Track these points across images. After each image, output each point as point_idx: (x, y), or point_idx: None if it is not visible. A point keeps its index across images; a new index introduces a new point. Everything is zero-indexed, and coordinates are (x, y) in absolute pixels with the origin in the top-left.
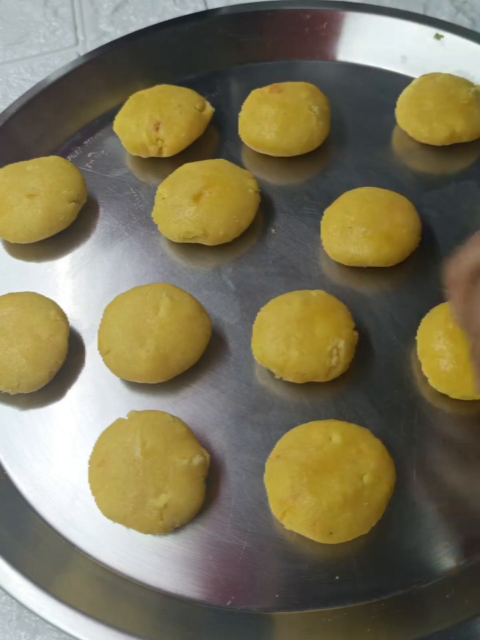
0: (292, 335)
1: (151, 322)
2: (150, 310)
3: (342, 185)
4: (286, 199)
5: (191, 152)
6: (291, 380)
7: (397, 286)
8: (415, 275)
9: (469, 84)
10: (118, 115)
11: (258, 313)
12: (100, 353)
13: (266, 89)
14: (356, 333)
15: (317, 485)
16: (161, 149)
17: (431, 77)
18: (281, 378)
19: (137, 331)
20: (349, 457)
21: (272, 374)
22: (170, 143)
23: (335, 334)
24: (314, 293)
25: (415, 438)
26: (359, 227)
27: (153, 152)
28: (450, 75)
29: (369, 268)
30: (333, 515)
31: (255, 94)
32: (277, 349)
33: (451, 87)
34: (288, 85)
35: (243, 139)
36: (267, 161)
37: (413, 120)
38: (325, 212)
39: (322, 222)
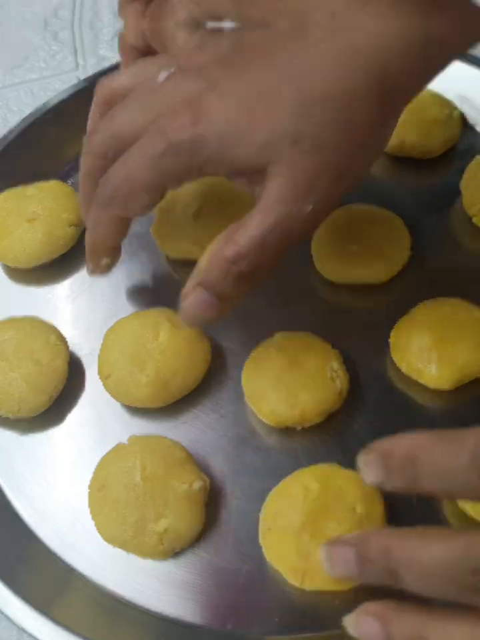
0: (286, 382)
1: (151, 347)
2: (150, 335)
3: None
4: None
5: None
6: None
7: (396, 307)
8: (409, 294)
9: (450, 107)
10: None
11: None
12: (100, 378)
13: None
14: (336, 351)
15: (320, 536)
16: None
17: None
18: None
19: (137, 355)
20: (333, 496)
21: None
22: None
23: (325, 361)
24: (278, 337)
25: None
26: (350, 244)
27: None
28: (435, 94)
29: (363, 286)
30: None
31: None
32: (285, 406)
33: (428, 102)
34: None
35: None
36: None
37: None
38: (315, 232)
39: (313, 241)
